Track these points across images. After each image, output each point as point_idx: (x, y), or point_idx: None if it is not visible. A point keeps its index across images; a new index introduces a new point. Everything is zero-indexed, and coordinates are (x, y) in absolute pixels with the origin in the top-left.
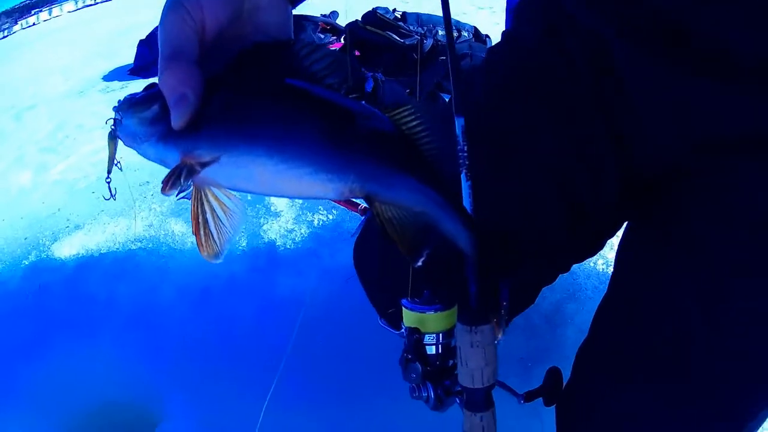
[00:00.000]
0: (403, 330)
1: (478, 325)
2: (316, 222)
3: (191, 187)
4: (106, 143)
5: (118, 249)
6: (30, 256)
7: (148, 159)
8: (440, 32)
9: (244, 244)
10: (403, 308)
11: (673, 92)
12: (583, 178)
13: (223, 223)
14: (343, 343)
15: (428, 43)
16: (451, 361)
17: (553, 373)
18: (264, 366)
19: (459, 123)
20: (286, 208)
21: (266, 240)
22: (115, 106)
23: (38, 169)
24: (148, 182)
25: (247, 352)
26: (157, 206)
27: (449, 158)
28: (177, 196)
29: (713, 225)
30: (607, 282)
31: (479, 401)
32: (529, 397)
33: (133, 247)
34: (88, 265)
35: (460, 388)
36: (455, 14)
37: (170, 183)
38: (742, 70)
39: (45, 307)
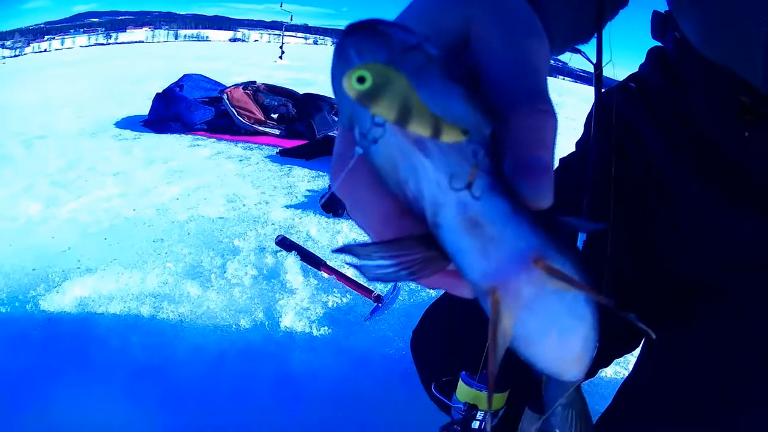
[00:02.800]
0: (460, 405)
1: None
2: (330, 303)
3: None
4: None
5: (131, 300)
6: (38, 288)
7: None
8: None
9: (261, 315)
10: (461, 382)
11: (713, 218)
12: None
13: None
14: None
15: None
16: None
17: None
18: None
19: None
20: (301, 287)
21: (283, 315)
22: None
23: (48, 203)
24: (162, 240)
25: (255, 417)
26: (172, 265)
27: None
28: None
29: (717, 345)
30: None
31: None
32: None
33: (148, 301)
34: (99, 309)
35: None
36: None
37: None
38: None
39: (54, 339)
